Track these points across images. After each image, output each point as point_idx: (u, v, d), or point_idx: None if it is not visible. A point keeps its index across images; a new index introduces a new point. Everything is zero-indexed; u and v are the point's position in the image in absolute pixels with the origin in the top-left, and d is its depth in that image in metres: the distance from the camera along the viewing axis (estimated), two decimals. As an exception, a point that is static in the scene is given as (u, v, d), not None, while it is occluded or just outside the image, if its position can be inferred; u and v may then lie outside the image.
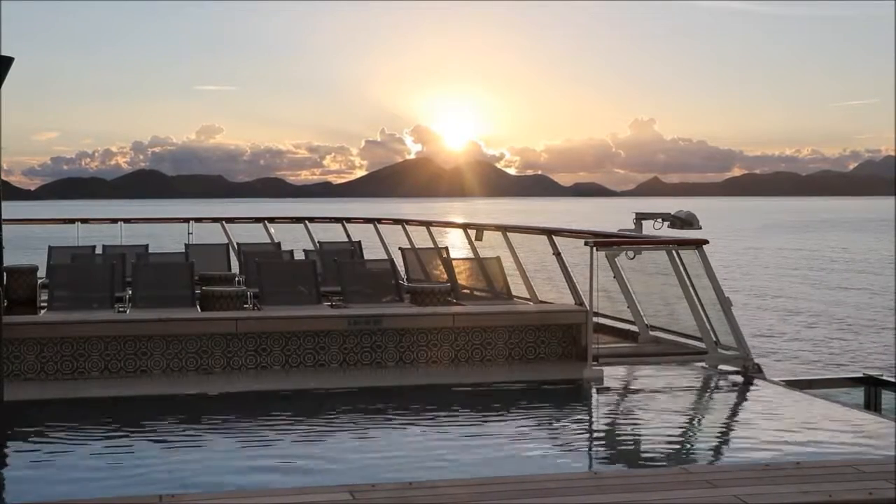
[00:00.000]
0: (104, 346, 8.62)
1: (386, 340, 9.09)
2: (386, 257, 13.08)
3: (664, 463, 6.30)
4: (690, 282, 9.36)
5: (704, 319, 9.37)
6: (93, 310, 9.66)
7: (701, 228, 10.65)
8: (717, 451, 6.79)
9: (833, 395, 8.98)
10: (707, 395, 8.74)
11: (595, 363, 8.78)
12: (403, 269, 13.11)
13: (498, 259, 11.61)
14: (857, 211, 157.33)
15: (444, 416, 7.56)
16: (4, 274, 10.43)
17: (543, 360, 9.36)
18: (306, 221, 16.22)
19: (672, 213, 10.80)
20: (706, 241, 9.25)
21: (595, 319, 9.24)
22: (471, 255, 12.87)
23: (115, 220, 16.74)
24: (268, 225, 16.03)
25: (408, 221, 15.53)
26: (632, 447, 6.85)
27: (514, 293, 11.50)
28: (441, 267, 12.49)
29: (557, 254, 10.32)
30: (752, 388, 8.58)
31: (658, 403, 8.07)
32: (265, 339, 8.90)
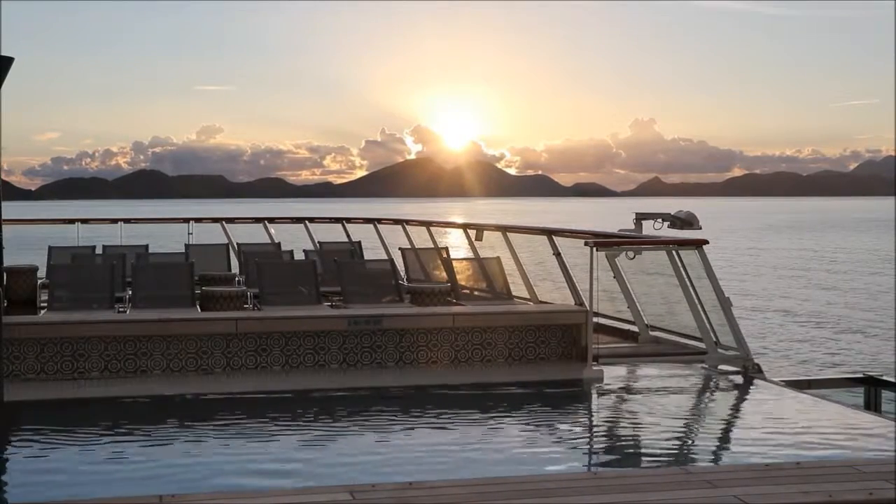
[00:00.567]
0: (104, 346, 8.61)
1: (386, 341, 9.08)
2: (386, 257, 13.08)
3: (664, 463, 6.30)
4: (690, 282, 9.37)
5: (704, 319, 9.38)
6: (93, 310, 9.64)
7: (701, 228, 10.66)
8: (717, 451, 6.78)
9: (833, 395, 8.98)
10: (707, 395, 8.74)
11: (595, 363, 8.79)
12: (403, 269, 13.10)
13: (498, 259, 11.61)
14: (857, 211, 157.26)
15: (444, 417, 7.55)
16: (4, 274, 10.43)
17: (543, 360, 9.34)
18: (306, 221, 16.21)
19: (672, 214, 10.81)
20: (706, 242, 9.25)
21: (595, 320, 9.25)
22: (471, 255, 12.87)
23: (115, 221, 16.76)
24: (268, 225, 16.03)
25: (408, 221, 15.52)
26: (632, 447, 6.84)
27: (514, 293, 11.51)
28: (441, 267, 12.48)
29: (557, 254, 10.32)
30: (752, 388, 8.58)
31: (658, 404, 8.05)
32: (265, 339, 8.89)
